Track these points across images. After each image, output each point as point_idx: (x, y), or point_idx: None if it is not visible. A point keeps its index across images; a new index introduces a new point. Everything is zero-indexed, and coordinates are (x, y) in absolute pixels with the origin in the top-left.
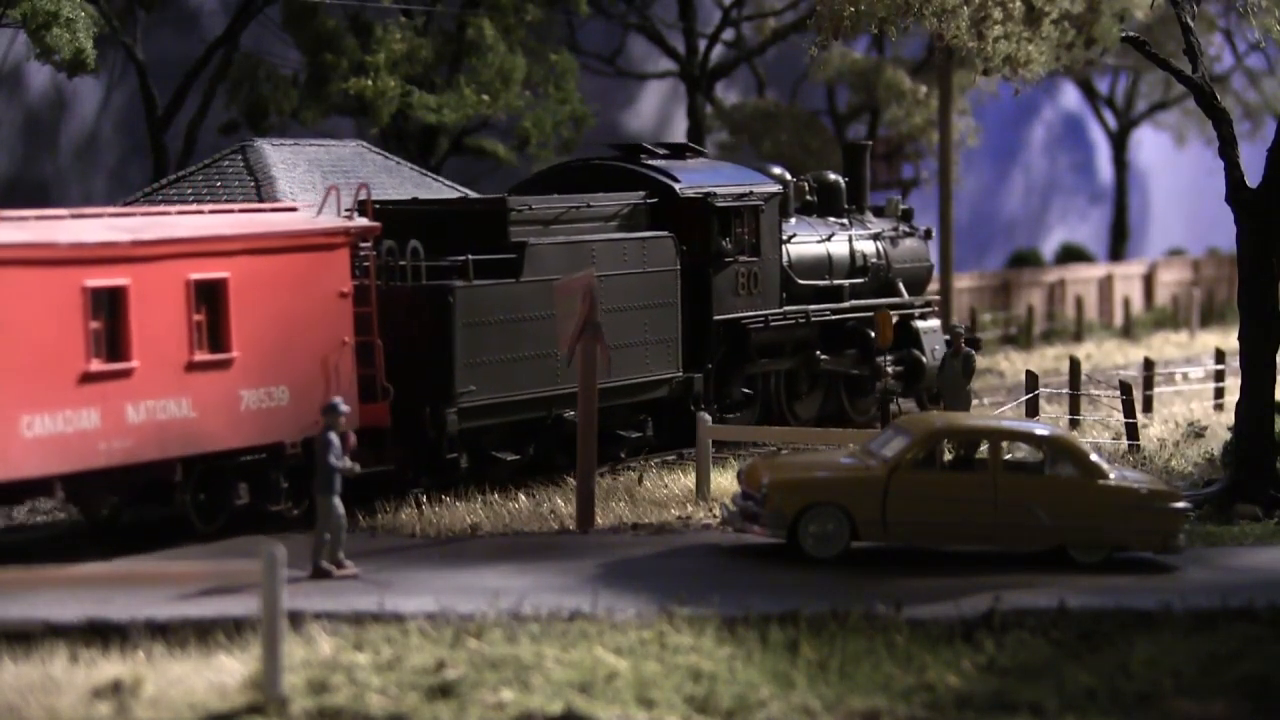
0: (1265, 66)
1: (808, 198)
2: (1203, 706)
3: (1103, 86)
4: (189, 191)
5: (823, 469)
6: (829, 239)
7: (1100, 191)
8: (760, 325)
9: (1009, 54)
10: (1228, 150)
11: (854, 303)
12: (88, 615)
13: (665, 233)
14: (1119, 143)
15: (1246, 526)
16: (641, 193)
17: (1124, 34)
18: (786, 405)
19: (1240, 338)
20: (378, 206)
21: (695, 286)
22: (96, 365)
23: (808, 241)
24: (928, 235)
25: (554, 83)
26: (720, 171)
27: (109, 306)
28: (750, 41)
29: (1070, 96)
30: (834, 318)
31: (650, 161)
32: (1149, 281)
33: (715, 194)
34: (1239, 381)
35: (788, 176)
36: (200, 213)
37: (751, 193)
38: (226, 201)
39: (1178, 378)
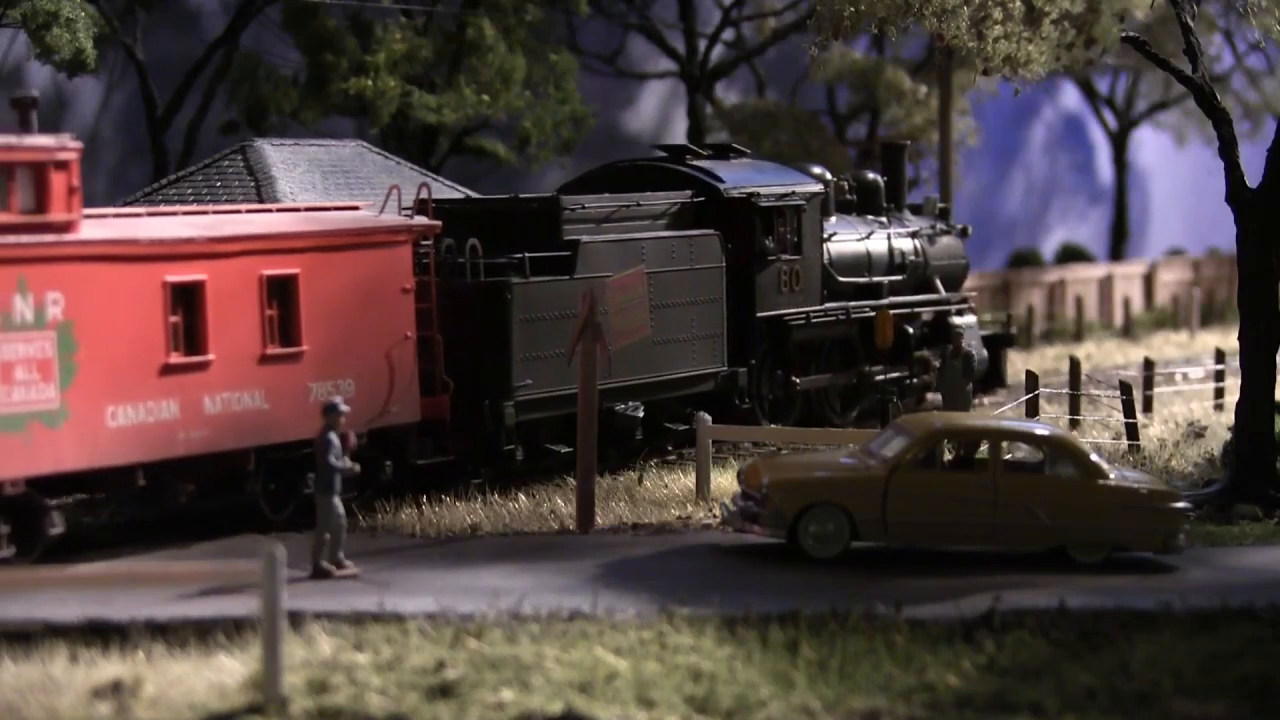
0: (1265, 66)
1: (847, 196)
2: (1203, 706)
3: (1103, 86)
4: (189, 191)
5: (823, 469)
6: (868, 237)
7: (1100, 191)
8: (802, 322)
9: (1009, 54)
10: (1228, 150)
11: (893, 299)
12: (88, 615)
13: (711, 231)
14: (1119, 143)
15: (1246, 526)
16: (688, 192)
17: (1124, 34)
18: (829, 403)
19: (1240, 338)
20: (435, 205)
21: (739, 283)
22: (176, 358)
23: (848, 240)
24: (964, 233)
25: (554, 83)
26: (764, 171)
27: (187, 301)
28: (750, 41)
29: (1070, 96)
30: (873, 314)
31: (696, 162)
32: (1149, 281)
33: (759, 194)
34: (1239, 381)
35: (828, 176)
36: (269, 211)
37: (794, 192)
38: (226, 201)
39: (1178, 378)
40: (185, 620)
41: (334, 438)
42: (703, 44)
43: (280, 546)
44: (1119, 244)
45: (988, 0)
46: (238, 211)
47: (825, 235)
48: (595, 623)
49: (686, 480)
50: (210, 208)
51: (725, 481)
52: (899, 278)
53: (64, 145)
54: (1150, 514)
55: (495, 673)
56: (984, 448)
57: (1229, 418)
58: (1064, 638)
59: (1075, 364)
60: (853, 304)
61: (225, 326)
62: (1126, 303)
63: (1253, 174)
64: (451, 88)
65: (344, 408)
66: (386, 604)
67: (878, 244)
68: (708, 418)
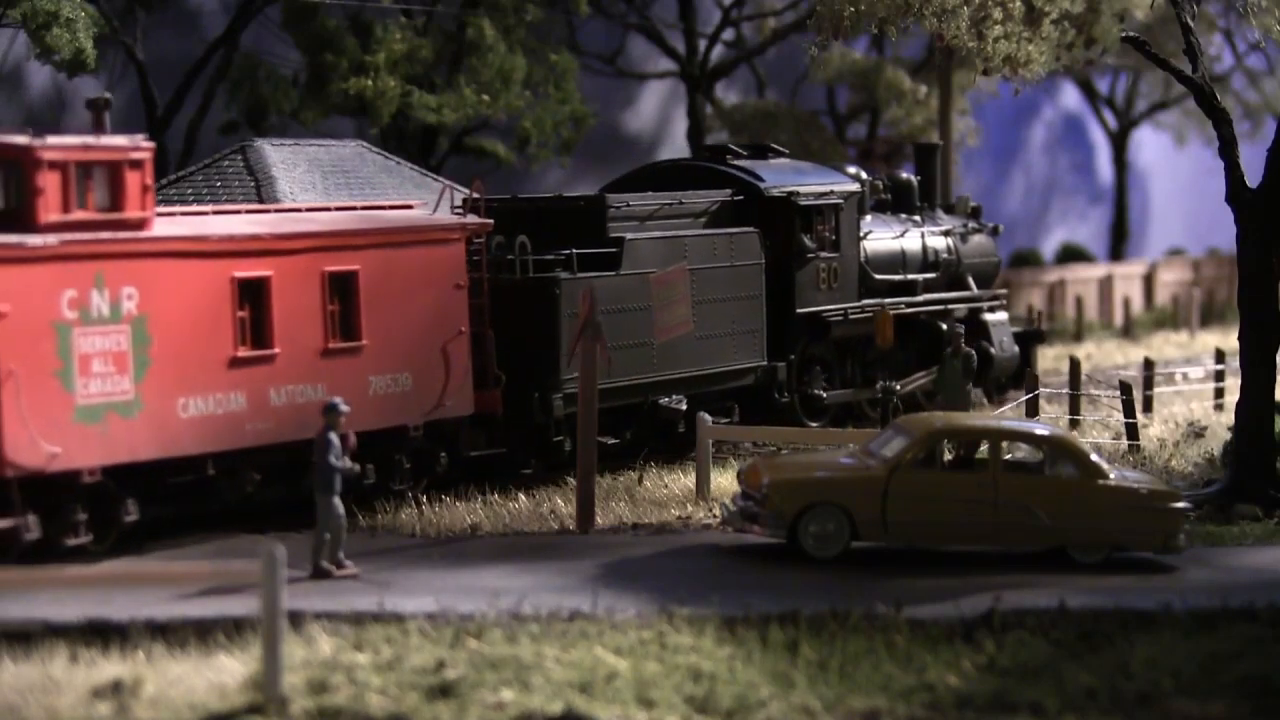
0: (1265, 66)
1: (882, 196)
2: (1203, 706)
3: (1103, 86)
4: (189, 191)
5: (823, 469)
6: (903, 235)
7: (1100, 191)
8: (840, 318)
9: (1009, 54)
10: (1228, 150)
11: (927, 296)
12: (88, 615)
13: (751, 229)
14: (1119, 143)
15: (1246, 526)
16: (729, 191)
17: (1124, 34)
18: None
19: (1240, 338)
20: (485, 204)
21: (779, 280)
22: (243, 352)
23: (883, 238)
24: (995, 231)
25: (554, 83)
26: (803, 171)
27: (253, 296)
28: (750, 41)
29: (1070, 96)
30: (908, 311)
31: (736, 162)
32: (1149, 281)
33: (799, 193)
34: (1239, 381)
35: (864, 175)
36: (327, 209)
37: (832, 191)
38: (227, 202)
39: (1178, 378)
40: (185, 620)
41: (334, 438)
42: (703, 44)
43: (280, 546)
44: (1119, 244)
45: (988, 0)
46: (298, 210)
47: (861, 233)
48: (595, 623)
49: (686, 480)
50: (272, 206)
51: (725, 481)
52: (932, 275)
53: (138, 145)
54: (1150, 514)
55: (495, 673)
56: (984, 448)
57: (1229, 418)
58: (1064, 638)
59: (1075, 364)
60: (888, 300)
61: (289, 321)
62: (1126, 303)
63: (1253, 174)
64: (451, 88)
65: (344, 408)
66: (386, 604)
67: (912, 242)
68: (708, 418)
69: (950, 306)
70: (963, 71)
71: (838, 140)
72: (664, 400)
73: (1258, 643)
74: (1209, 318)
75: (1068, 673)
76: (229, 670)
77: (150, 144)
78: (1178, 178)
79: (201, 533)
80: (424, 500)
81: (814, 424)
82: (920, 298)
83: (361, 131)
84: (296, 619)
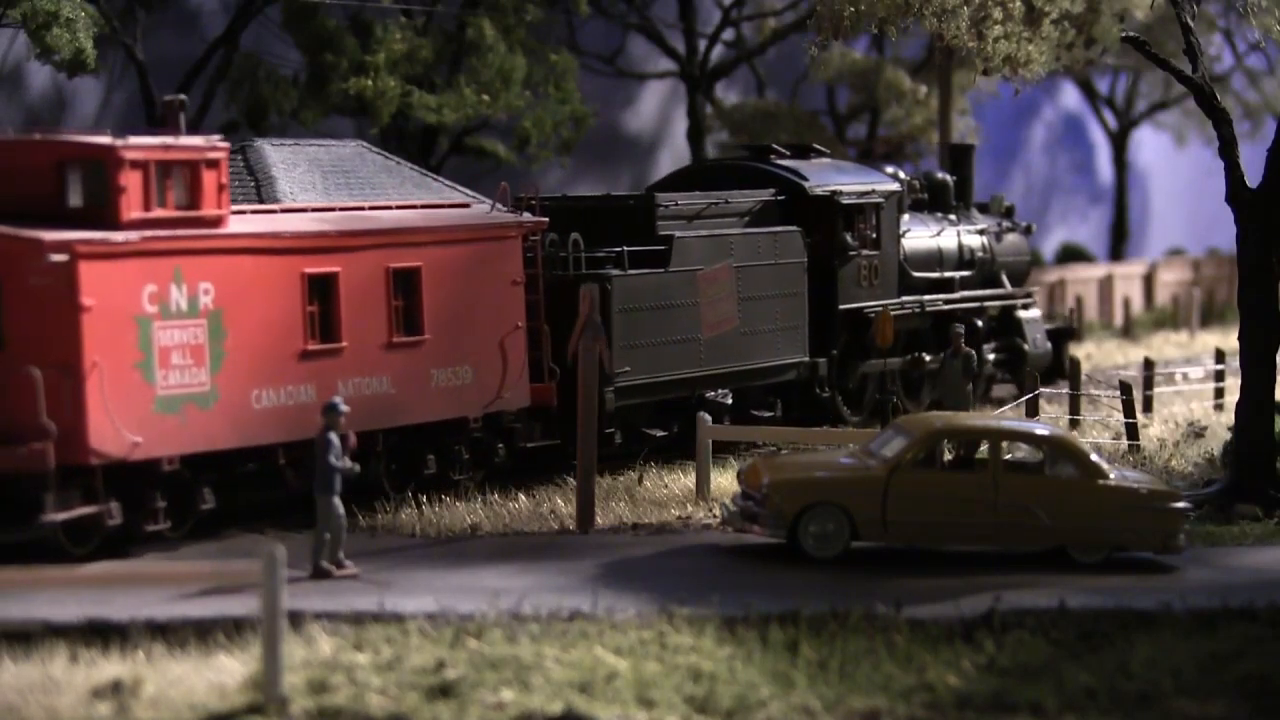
0: (1265, 66)
1: (919, 195)
2: (1203, 706)
3: (1103, 86)
4: None
5: (823, 469)
6: (939, 234)
7: (1100, 191)
8: (879, 314)
9: (1009, 54)
10: (1228, 150)
11: (963, 293)
12: (88, 615)
13: (794, 227)
14: (1119, 143)
15: (1246, 526)
16: (773, 190)
17: (1124, 34)
18: (901, 393)
19: (1240, 338)
20: (538, 202)
21: (821, 278)
22: (313, 345)
23: (921, 236)
24: (1028, 231)
25: (554, 83)
26: (844, 171)
27: (322, 292)
28: (750, 41)
29: (1070, 96)
30: (946, 308)
31: (780, 161)
32: (1149, 281)
33: (841, 192)
34: (1239, 381)
35: (902, 175)
36: (389, 207)
37: (873, 191)
38: None
39: (1178, 378)
40: (185, 620)
41: (334, 437)
42: (703, 44)
43: (280, 546)
44: (1119, 244)
45: (988, 0)
46: (361, 208)
47: (900, 232)
48: (595, 623)
49: (686, 480)
50: (337, 204)
51: (725, 481)
52: (968, 273)
53: (214, 145)
54: (1150, 514)
55: (495, 673)
56: (984, 448)
57: (1229, 418)
58: (1064, 638)
59: (1075, 364)
60: (927, 298)
61: (356, 316)
62: (1126, 303)
63: (1253, 174)
64: (451, 88)
65: (344, 408)
66: (386, 604)
67: (948, 240)
68: (708, 418)
69: (985, 304)
70: (963, 71)
71: (838, 140)
72: (710, 394)
73: (1258, 643)
74: (1209, 318)
75: (1068, 673)
76: (229, 670)
77: (225, 144)
78: (1178, 178)
79: (202, 533)
80: (424, 500)
81: (854, 418)
82: (957, 295)
83: (361, 131)
84: (296, 619)
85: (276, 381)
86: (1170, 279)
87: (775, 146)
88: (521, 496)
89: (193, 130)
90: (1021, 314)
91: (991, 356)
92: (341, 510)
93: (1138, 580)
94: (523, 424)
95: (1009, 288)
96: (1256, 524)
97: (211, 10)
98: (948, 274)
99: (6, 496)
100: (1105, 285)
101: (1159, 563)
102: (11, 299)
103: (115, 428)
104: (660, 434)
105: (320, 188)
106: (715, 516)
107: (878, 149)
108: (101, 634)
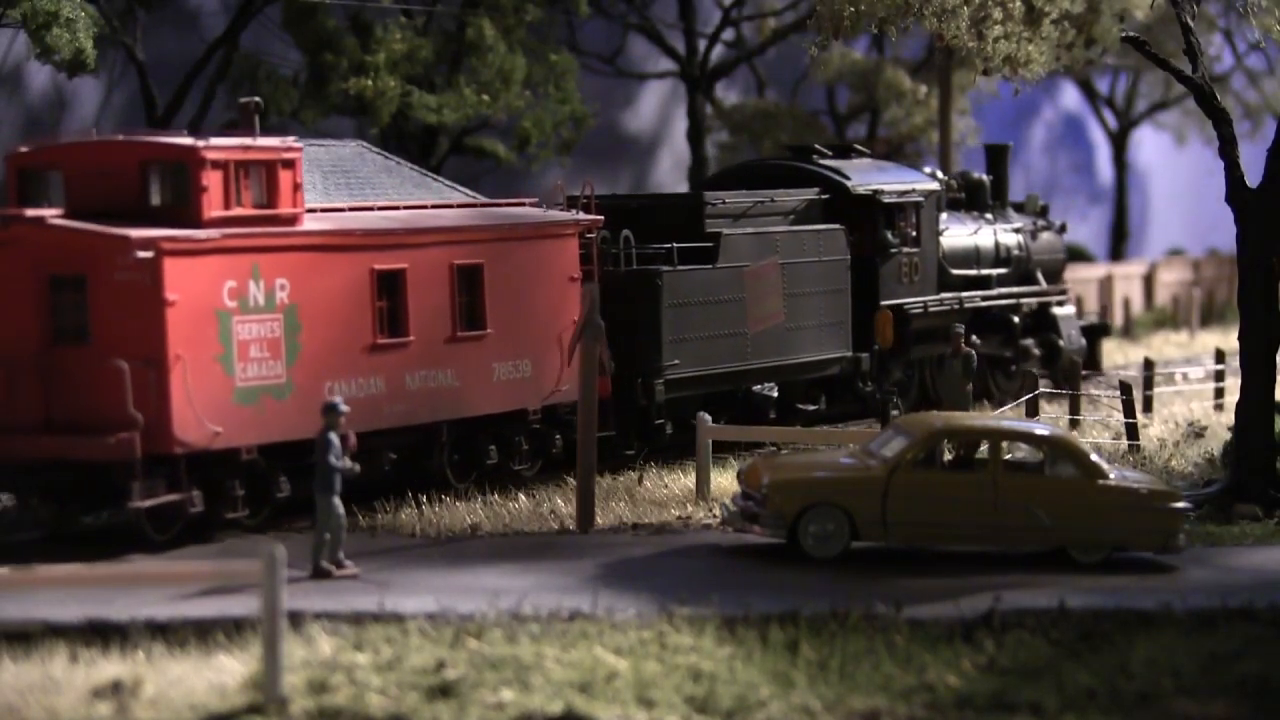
0: (1265, 66)
1: (956, 194)
2: (1203, 706)
3: (1103, 86)
4: None
5: (823, 469)
6: (977, 232)
7: (1100, 191)
8: (920, 310)
9: (1009, 54)
10: (1228, 150)
11: (1000, 290)
12: (88, 615)
13: (838, 226)
14: (1119, 143)
15: (1246, 526)
16: (816, 189)
17: (1124, 34)
18: (933, 386)
19: (1240, 337)
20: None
21: (863, 275)
22: (382, 339)
23: (959, 234)
24: (1062, 229)
25: (554, 83)
26: (885, 170)
27: (391, 288)
28: (750, 41)
29: (1070, 96)
30: (983, 304)
31: (823, 161)
32: (1149, 281)
33: (882, 191)
34: (1239, 381)
35: (940, 174)
36: (450, 206)
37: (913, 190)
38: None
39: (1178, 378)
40: (185, 620)
41: (334, 438)
42: (703, 44)
43: (280, 546)
44: (1119, 244)
45: (988, 0)
46: (424, 207)
47: (939, 230)
48: (595, 623)
49: (686, 480)
50: (400, 203)
51: (725, 481)
52: (1004, 270)
53: (289, 146)
54: (1150, 514)
55: (495, 673)
56: (984, 448)
57: (1229, 418)
58: (1064, 638)
59: (1075, 364)
60: (965, 294)
61: (422, 311)
62: (1126, 303)
63: (1253, 174)
64: (451, 88)
65: (344, 408)
66: (386, 604)
67: (985, 239)
68: (708, 418)
69: (1021, 300)
70: (963, 71)
71: (838, 140)
72: (757, 387)
73: (1258, 643)
74: (1209, 318)
75: (1068, 673)
76: (229, 670)
77: (299, 145)
78: (1178, 178)
79: (202, 533)
80: (424, 500)
81: (895, 412)
82: (994, 291)
83: (361, 131)
84: (296, 619)
85: (347, 374)
86: (1170, 279)
87: (818, 146)
88: (521, 496)
89: (193, 130)
90: (1056, 310)
91: (1036, 351)
92: (341, 510)
93: (1138, 580)
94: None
95: (1044, 285)
96: (1256, 524)
97: (211, 10)
98: (985, 271)
99: (95, 484)
100: (1105, 285)
101: (1159, 563)
102: (98, 294)
103: (197, 418)
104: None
105: (320, 188)
106: (715, 516)
107: (878, 149)
108: (101, 634)
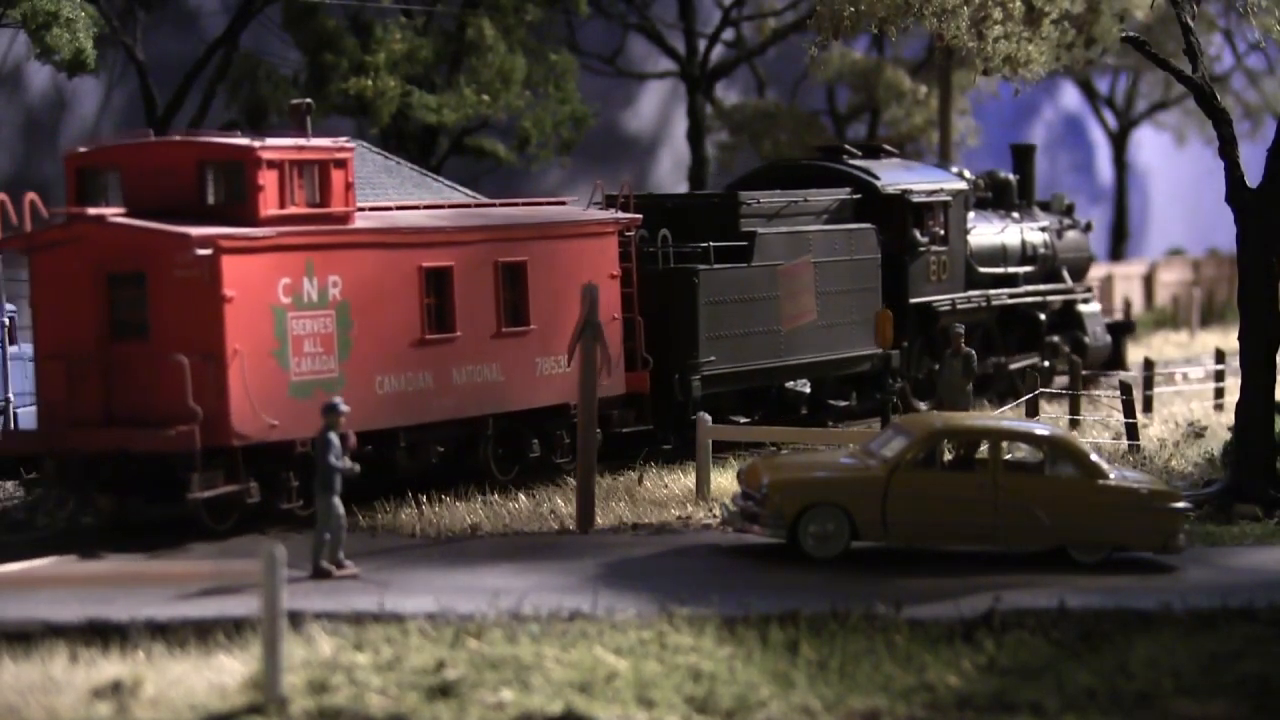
0: (1265, 66)
1: (983, 194)
2: (1203, 706)
3: (1103, 86)
4: None
5: (823, 469)
6: (1003, 231)
7: (1100, 191)
8: (948, 308)
9: (1009, 54)
10: (1228, 150)
11: (1027, 288)
12: (88, 615)
13: (869, 225)
14: (1119, 143)
15: (1246, 526)
16: (848, 189)
17: (1124, 34)
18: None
19: (1240, 338)
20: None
21: (892, 273)
22: (430, 335)
23: (986, 233)
24: (1088, 228)
25: (554, 83)
26: (914, 170)
27: (438, 284)
28: (750, 41)
29: (1070, 96)
30: (1010, 301)
31: (853, 161)
32: (1149, 281)
33: (911, 191)
34: (1239, 381)
35: (967, 174)
36: (492, 205)
37: (942, 189)
38: None
39: (1178, 378)
40: (185, 620)
41: (334, 438)
42: (703, 44)
43: (280, 546)
44: (1119, 244)
45: (988, 0)
46: (467, 206)
47: (966, 229)
48: (595, 623)
49: (686, 480)
50: (444, 201)
51: (725, 481)
52: (1031, 268)
53: (341, 146)
54: (1150, 514)
55: (495, 673)
56: (984, 448)
57: (1229, 418)
58: (1064, 638)
59: (1075, 364)
60: (992, 292)
61: (469, 307)
62: (1126, 303)
63: (1253, 174)
64: (451, 88)
65: (344, 408)
66: (386, 604)
67: (1012, 237)
68: (708, 418)
69: (1048, 298)
70: (963, 71)
71: (838, 140)
72: (790, 383)
73: (1258, 643)
74: (1209, 318)
75: (1068, 673)
76: (229, 670)
77: (351, 145)
78: (1178, 178)
79: (202, 533)
80: (424, 500)
81: (923, 405)
82: (1021, 289)
83: (361, 131)
84: (296, 619)
85: (397, 368)
86: (1170, 279)
87: (848, 147)
88: (521, 496)
89: (193, 130)
90: (1082, 308)
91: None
92: (341, 510)
93: (1138, 580)
94: (618, 410)
95: (1070, 283)
96: (1256, 524)
97: (211, 10)
98: (1012, 269)
99: (155, 475)
100: (1105, 285)
101: (1159, 563)
102: (157, 291)
103: (255, 411)
104: (744, 421)
105: None
106: (715, 516)
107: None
108: (101, 634)
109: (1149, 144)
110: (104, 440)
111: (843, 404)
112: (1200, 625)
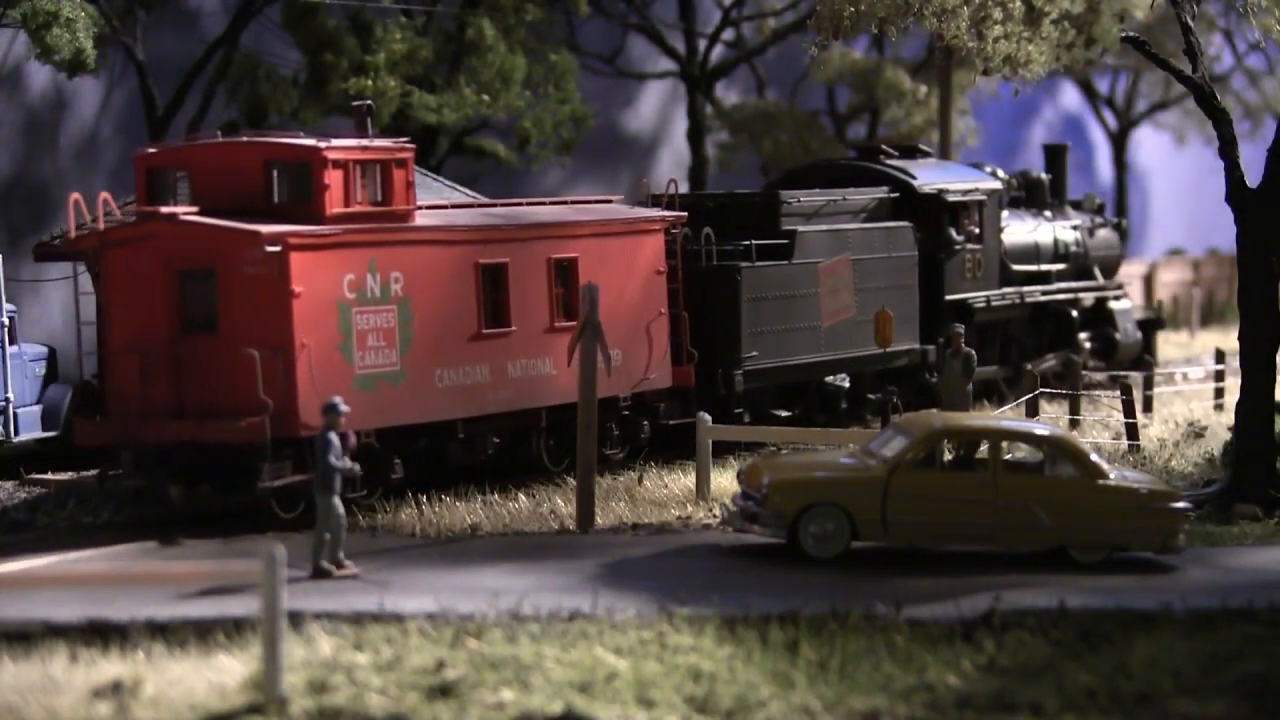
0: (1265, 66)
1: (1015, 193)
2: (1203, 706)
3: (1103, 86)
4: None
5: (823, 469)
6: (1036, 229)
7: (1100, 191)
8: (983, 304)
9: (1009, 54)
10: (1228, 150)
11: (1059, 285)
12: (88, 615)
13: (906, 223)
14: (1119, 143)
15: (1246, 526)
16: (885, 188)
17: (1124, 34)
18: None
19: (1240, 338)
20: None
21: (929, 270)
22: (486, 329)
23: (1020, 231)
24: (1118, 227)
25: (554, 83)
26: (949, 170)
27: (494, 280)
28: (750, 41)
29: (1070, 96)
30: (1043, 299)
31: (890, 161)
32: (1149, 281)
33: (947, 190)
34: (1239, 381)
35: (1000, 173)
36: (543, 203)
37: (977, 189)
38: None
39: (1178, 378)
40: (185, 620)
41: (334, 438)
42: (703, 44)
43: (280, 546)
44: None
45: (988, 0)
46: (518, 204)
47: (1000, 227)
48: (595, 623)
49: (686, 480)
50: (498, 201)
51: (725, 481)
52: (1063, 266)
53: (403, 147)
54: (1150, 514)
55: (495, 673)
56: (984, 448)
57: (1229, 418)
58: (1064, 638)
59: (1075, 364)
60: (1025, 289)
61: (523, 302)
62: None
63: (1253, 174)
64: (451, 88)
65: (344, 408)
66: (386, 604)
67: (1045, 236)
68: (708, 418)
69: (1080, 295)
70: (963, 71)
71: (838, 140)
72: (829, 378)
73: (1258, 643)
74: (1209, 318)
75: (1068, 673)
76: (229, 670)
77: (412, 145)
78: (1178, 178)
79: (202, 533)
80: (424, 500)
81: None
82: (1053, 286)
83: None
84: (296, 619)
85: (455, 362)
86: (1170, 279)
87: (884, 147)
88: (521, 496)
89: (192, 130)
90: (1113, 305)
91: (1088, 345)
92: (341, 510)
93: (1138, 580)
94: (665, 403)
95: (1101, 280)
96: (1256, 524)
97: (211, 10)
98: (1044, 267)
99: (226, 465)
100: None
101: (1159, 563)
102: (226, 286)
103: (321, 403)
104: (785, 414)
105: None
106: (715, 516)
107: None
108: (101, 634)
109: (1149, 144)
110: (176, 432)
111: (879, 397)
112: (1200, 625)
